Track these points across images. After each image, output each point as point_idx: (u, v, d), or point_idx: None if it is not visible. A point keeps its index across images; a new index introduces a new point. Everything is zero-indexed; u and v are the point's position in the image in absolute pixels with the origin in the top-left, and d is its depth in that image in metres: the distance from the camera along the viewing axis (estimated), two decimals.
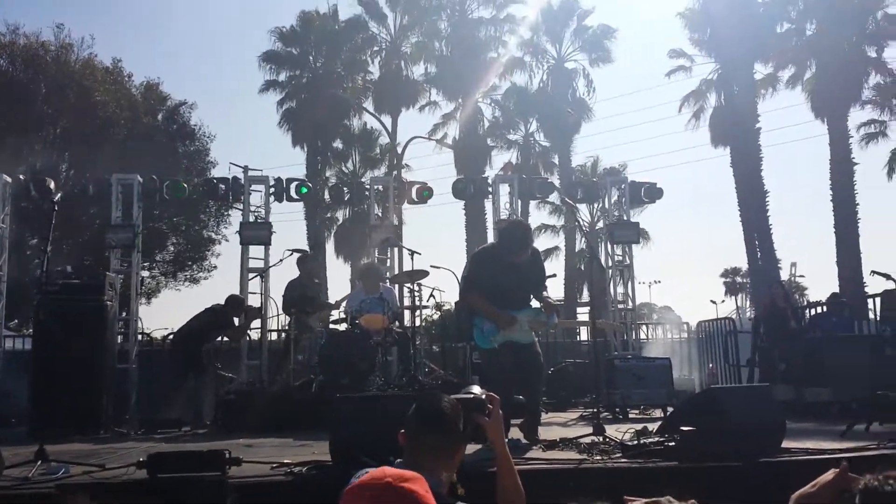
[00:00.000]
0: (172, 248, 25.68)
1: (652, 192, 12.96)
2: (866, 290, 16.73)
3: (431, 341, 10.34)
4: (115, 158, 17.73)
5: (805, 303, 11.74)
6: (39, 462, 4.62)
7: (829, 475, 1.86)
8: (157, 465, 4.45)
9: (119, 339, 11.28)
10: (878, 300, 8.39)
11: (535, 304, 6.25)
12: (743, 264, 42.22)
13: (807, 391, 8.06)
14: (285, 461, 4.88)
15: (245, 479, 4.45)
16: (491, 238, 17.15)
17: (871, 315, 9.18)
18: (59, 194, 6.27)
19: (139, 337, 11.30)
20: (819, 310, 10.53)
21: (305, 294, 9.73)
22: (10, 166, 13.33)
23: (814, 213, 75.54)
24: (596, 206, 24.61)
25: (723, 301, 47.77)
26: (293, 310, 9.13)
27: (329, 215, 28.75)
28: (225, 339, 9.58)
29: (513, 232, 6.11)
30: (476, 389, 2.97)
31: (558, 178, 26.29)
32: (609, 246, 13.12)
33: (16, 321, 16.73)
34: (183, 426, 7.89)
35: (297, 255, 10.28)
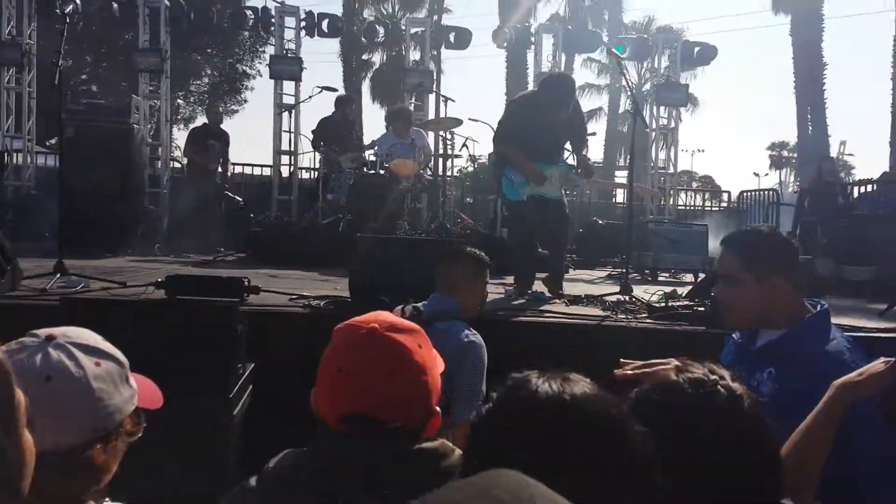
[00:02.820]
0: (207, 80, 25.24)
1: (706, 53, 12.27)
2: None
3: (464, 192, 10.09)
4: None
5: (850, 181, 11.29)
6: (58, 275, 4.60)
7: (879, 365, 1.73)
8: (176, 286, 4.42)
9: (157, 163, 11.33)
10: None
11: (570, 160, 6.01)
12: (791, 138, 41.01)
13: (848, 269, 7.81)
14: (304, 293, 4.84)
15: (260, 307, 4.41)
16: None
17: None
18: (71, 5, 5.93)
19: (171, 163, 11.26)
20: (869, 188, 10.09)
21: (338, 132, 9.47)
22: None
23: (871, 92, 72.10)
24: (645, 65, 23.66)
25: (766, 174, 46.58)
26: (322, 146, 8.91)
27: (366, 57, 27.92)
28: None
29: (555, 85, 5.78)
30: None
31: (607, 34, 25.01)
32: (655, 108, 12.59)
33: (55, 140, 16.77)
34: (214, 253, 7.92)
35: (328, 93, 9.96)
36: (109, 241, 7.21)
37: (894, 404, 1.73)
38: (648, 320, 4.62)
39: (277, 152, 11.50)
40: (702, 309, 4.64)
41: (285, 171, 11.69)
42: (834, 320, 4.74)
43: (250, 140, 51.92)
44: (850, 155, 37.26)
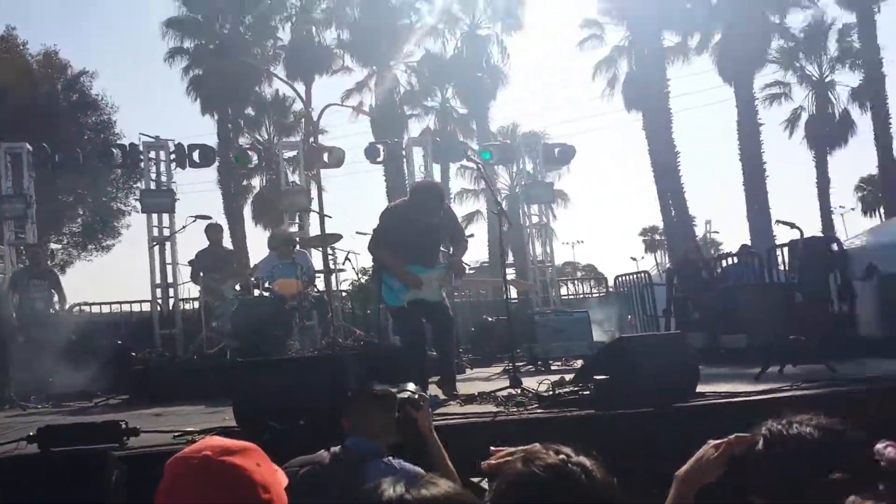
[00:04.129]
0: (80, 221, 24.60)
1: (566, 153, 13.12)
2: (776, 241, 17.35)
3: (353, 304, 10.10)
4: (10, 129, 16.70)
5: (715, 255, 12.12)
6: None
7: (710, 450, 1.75)
8: (49, 438, 4.14)
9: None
10: (785, 250, 8.62)
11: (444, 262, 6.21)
12: (660, 223, 43.55)
13: (722, 338, 8.25)
14: (188, 429, 4.63)
15: (138, 449, 4.18)
16: None
17: (781, 266, 9.44)
18: None
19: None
20: (731, 261, 10.79)
21: (216, 261, 9.37)
22: None
23: (725, 172, 78.45)
24: (514, 170, 24.81)
25: (643, 258, 49.05)
26: (201, 275, 8.77)
27: (245, 183, 27.94)
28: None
29: (423, 192, 5.98)
30: (411, 387, 3.54)
31: (476, 144, 26.27)
32: (527, 207, 13.21)
33: None
34: (94, 398, 7.50)
35: (202, 221, 9.88)
36: None
37: (738, 482, 1.74)
38: (539, 410, 4.70)
39: (154, 286, 11.21)
40: (587, 392, 4.77)
41: (168, 304, 11.36)
42: (712, 388, 5.03)
43: (128, 276, 50.36)
44: (716, 233, 39.92)
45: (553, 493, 1.27)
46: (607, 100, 28.07)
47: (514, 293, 15.08)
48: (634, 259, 42.79)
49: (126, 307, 14.29)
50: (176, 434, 4.55)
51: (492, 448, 1.78)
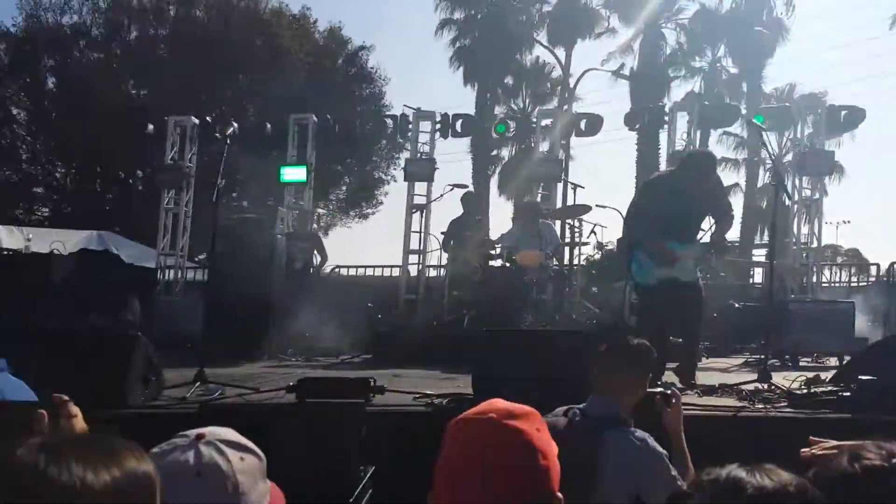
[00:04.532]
0: (345, 188, 26.66)
1: (853, 117, 11.58)
2: None
3: (590, 280, 9.89)
4: (297, 102, 18.64)
5: None
6: (198, 383, 4.94)
7: None
8: (306, 390, 4.61)
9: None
10: None
11: (706, 239, 5.82)
12: None
13: None
14: (427, 392, 4.90)
15: (384, 407, 4.51)
16: None
17: None
18: (231, 128, 6.55)
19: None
20: None
21: (467, 231, 9.70)
22: (202, 112, 14.31)
23: None
24: (786, 135, 22.66)
25: None
26: (451, 243, 9.14)
27: (494, 153, 28.58)
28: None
29: (697, 161, 5.70)
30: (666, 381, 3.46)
31: (745, 106, 24.35)
32: (797, 179, 11.96)
33: (204, 255, 18.26)
34: (340, 355, 8.19)
35: (458, 190, 10.24)
36: (246, 348, 7.63)
37: None
38: (788, 409, 4.31)
39: (407, 252, 11.83)
40: (847, 394, 4.28)
41: (413, 271, 11.98)
42: None
43: (382, 241, 54.18)
44: None
45: (871, 495, 1.22)
46: None
47: (758, 277, 13.85)
48: None
49: (378, 271, 15.34)
50: (416, 396, 4.83)
51: (811, 438, 1.71)
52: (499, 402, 1.48)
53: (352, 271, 14.54)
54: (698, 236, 5.84)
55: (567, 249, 9.23)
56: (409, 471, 3.90)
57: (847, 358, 6.70)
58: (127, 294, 8.00)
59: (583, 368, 4.40)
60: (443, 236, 9.77)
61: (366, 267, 14.92)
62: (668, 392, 3.18)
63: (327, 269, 10.78)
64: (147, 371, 4.62)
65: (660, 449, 2.77)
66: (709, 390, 5.02)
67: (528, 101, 28.71)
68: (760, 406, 4.42)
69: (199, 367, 5.12)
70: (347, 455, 3.72)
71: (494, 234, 10.01)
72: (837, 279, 15.28)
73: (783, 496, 1.07)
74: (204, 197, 12.80)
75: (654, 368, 3.12)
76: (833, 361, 7.35)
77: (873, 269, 13.01)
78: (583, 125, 12.62)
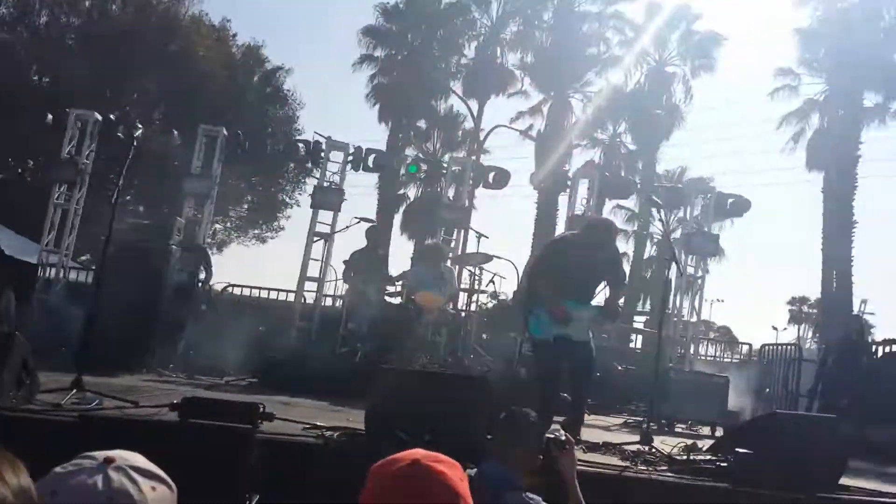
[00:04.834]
0: (247, 206, 26.19)
1: (739, 205, 12.42)
2: None
3: (482, 328, 9.99)
4: (206, 113, 18.20)
5: (871, 340, 10.90)
6: (74, 391, 4.64)
7: None
8: (190, 409, 4.41)
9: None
10: None
11: (596, 302, 6.06)
12: (812, 294, 40.70)
13: (870, 430, 7.53)
14: (318, 423, 4.79)
15: (275, 435, 4.36)
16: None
17: None
18: (138, 131, 6.32)
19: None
20: (893, 348, 9.83)
21: (368, 265, 9.65)
22: (105, 108, 13.71)
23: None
24: (673, 215, 23.94)
25: (784, 329, 45.77)
26: (353, 275, 9.07)
27: (402, 191, 28.79)
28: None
29: (600, 226, 5.99)
30: (555, 426, 3.52)
31: (639, 182, 25.62)
32: (683, 257, 12.64)
33: (88, 256, 17.31)
34: (225, 376, 7.92)
35: (364, 224, 10.22)
36: (126, 359, 7.26)
37: None
38: (669, 473, 4.47)
39: (304, 278, 11.65)
40: (724, 465, 4.49)
41: (310, 298, 11.82)
42: (854, 482, 4.59)
43: (277, 266, 53.31)
44: (871, 314, 36.72)
45: None
46: (788, 154, 26.55)
47: (638, 343, 14.48)
48: (776, 328, 39.95)
49: (272, 295, 14.86)
50: (306, 426, 4.70)
51: None
52: (420, 450, 1.48)
53: (245, 291, 14.12)
54: (593, 299, 6.09)
55: (465, 295, 9.34)
56: (294, 501, 3.82)
57: (719, 429, 7.07)
58: (2, 286, 7.47)
59: (475, 413, 4.47)
60: (344, 266, 9.69)
61: (260, 289, 14.51)
62: (563, 438, 3.28)
63: (219, 286, 10.43)
64: (21, 372, 4.30)
65: None
66: (593, 447, 5.15)
67: (438, 145, 29.16)
68: (643, 468, 4.55)
69: (76, 373, 4.81)
70: (234, 481, 3.58)
71: (394, 272, 10.03)
72: (710, 353, 16.19)
73: None
74: (96, 196, 12.27)
75: (541, 447, 3.21)
76: (706, 430, 7.71)
77: (745, 348, 13.82)
78: (491, 177, 12.93)
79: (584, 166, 25.77)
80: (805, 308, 47.51)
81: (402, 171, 19.47)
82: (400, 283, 9.36)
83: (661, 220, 7.08)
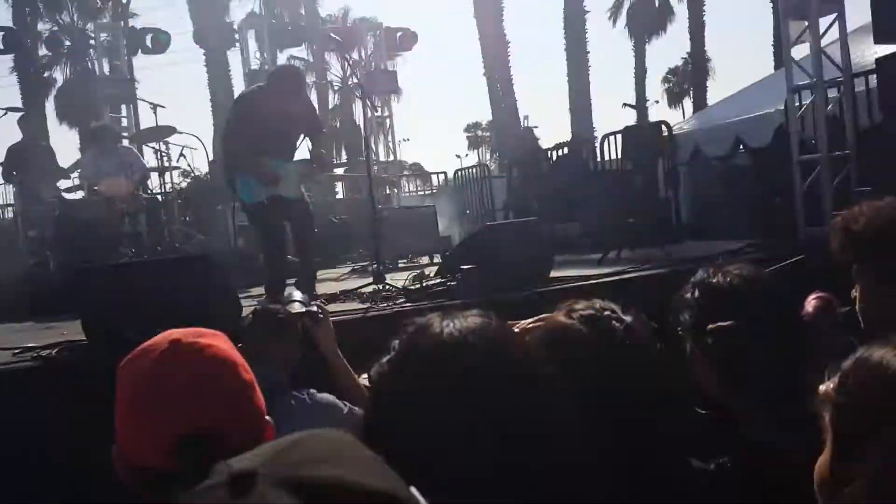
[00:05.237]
0: None
1: (408, 38, 12.75)
2: (596, 135, 18.12)
3: (183, 209, 9.25)
4: None
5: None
6: None
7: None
8: None
9: None
10: (618, 137, 8.98)
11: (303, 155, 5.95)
12: (482, 118, 44.57)
13: (558, 227, 8.57)
14: (30, 345, 4.23)
15: None
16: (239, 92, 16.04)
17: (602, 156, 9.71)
18: None
19: None
20: (562, 152, 11.13)
21: (32, 160, 8.38)
22: None
23: (551, 66, 79.66)
24: (347, 59, 23.98)
25: (466, 155, 50.06)
26: (14, 174, 7.87)
27: (46, 75, 25.15)
28: None
29: (286, 74, 5.73)
30: (297, 295, 3.22)
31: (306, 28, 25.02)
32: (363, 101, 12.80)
33: None
34: None
35: (13, 115, 8.79)
36: None
37: None
38: (408, 304, 4.72)
39: None
40: (454, 283, 4.85)
41: None
42: (561, 273, 5.27)
43: None
44: (535, 127, 41.44)
45: (593, 344, 1.31)
46: None
47: (339, 193, 14.78)
48: (459, 157, 43.61)
49: None
50: (15, 350, 4.14)
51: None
52: (174, 330, 1.29)
53: None
54: (295, 153, 5.96)
55: (157, 176, 8.62)
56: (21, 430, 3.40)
57: (437, 256, 7.58)
58: None
59: (203, 295, 4.25)
60: (0, 167, 8.33)
61: None
62: (315, 309, 3.13)
63: None
64: None
65: (324, 397, 2.77)
66: (331, 298, 5.23)
67: (76, 16, 25.49)
68: (384, 304, 4.75)
69: None
70: None
71: (64, 165, 8.85)
72: (409, 190, 17.07)
73: None
74: None
75: (297, 335, 3.00)
76: (426, 260, 8.21)
77: (441, 178, 14.73)
78: (149, 41, 11.82)
79: (246, 17, 24.58)
80: (479, 132, 51.79)
81: (41, 50, 16.81)
82: (75, 175, 8.32)
83: (344, 60, 7.05)
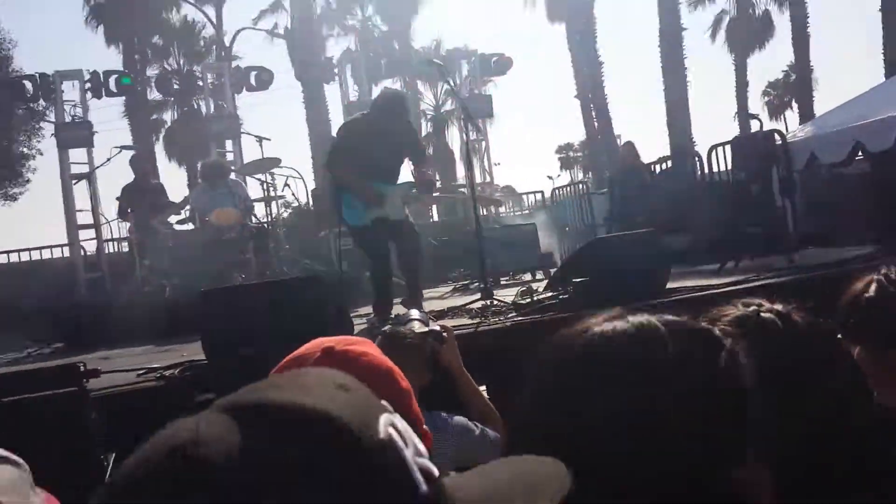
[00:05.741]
0: None
1: (502, 64, 12.77)
2: (696, 150, 17.61)
3: (287, 238, 9.43)
4: None
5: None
6: None
7: None
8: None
9: None
10: (727, 148, 8.65)
11: (407, 178, 5.97)
12: (574, 139, 44.25)
13: (664, 239, 8.28)
14: (153, 366, 4.33)
15: (108, 389, 3.88)
16: (337, 124, 16.44)
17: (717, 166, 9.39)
18: None
19: None
20: (665, 165, 10.83)
21: (145, 195, 8.79)
22: None
23: (644, 83, 78.46)
24: (441, 88, 24.33)
25: (559, 175, 49.65)
26: (130, 211, 8.24)
27: (155, 117, 26.56)
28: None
29: (390, 99, 5.72)
30: (416, 314, 3.01)
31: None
32: (462, 123, 12.86)
33: None
34: (24, 348, 7.00)
35: (126, 154, 9.24)
36: None
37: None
38: (520, 318, 4.58)
39: (74, 227, 10.49)
40: (566, 296, 4.69)
41: (90, 247, 10.69)
42: (680, 284, 5.03)
43: (39, 222, 47.98)
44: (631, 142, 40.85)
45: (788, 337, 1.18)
46: (529, 10, 27.71)
47: (435, 216, 14.85)
48: (551, 178, 43.08)
49: (45, 253, 13.22)
50: (140, 372, 4.24)
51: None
52: (322, 339, 1.28)
53: (17, 257, 12.32)
54: (399, 177, 5.98)
55: (263, 205, 8.83)
56: None
57: (539, 272, 7.46)
58: None
59: (315, 315, 4.27)
60: (117, 204, 8.74)
61: (19, 251, 12.74)
62: (439, 329, 2.98)
63: None
64: None
65: (458, 420, 2.65)
66: (440, 314, 5.15)
67: (182, 60, 26.95)
68: (496, 319, 4.63)
69: None
70: (81, 448, 3.15)
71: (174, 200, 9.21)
72: (503, 211, 17.09)
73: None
74: None
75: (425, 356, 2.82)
76: (528, 277, 8.10)
77: (536, 197, 14.65)
78: (253, 78, 12.27)
79: (344, 53, 25.30)
80: (571, 153, 51.43)
81: (150, 94, 17.77)
82: (187, 208, 8.64)
83: (443, 85, 7.06)
